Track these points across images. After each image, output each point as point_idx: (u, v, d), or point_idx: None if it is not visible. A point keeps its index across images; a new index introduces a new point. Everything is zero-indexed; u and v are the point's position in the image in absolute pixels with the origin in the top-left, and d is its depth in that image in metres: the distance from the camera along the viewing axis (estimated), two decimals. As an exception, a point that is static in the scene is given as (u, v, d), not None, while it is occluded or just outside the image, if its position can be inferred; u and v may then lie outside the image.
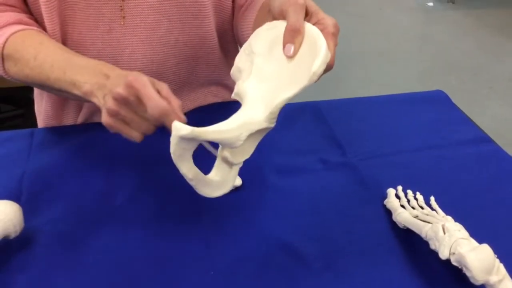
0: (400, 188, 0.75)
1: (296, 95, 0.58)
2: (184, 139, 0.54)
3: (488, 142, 0.89)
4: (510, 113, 2.50)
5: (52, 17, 0.79)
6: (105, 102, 0.64)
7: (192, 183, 0.59)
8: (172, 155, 0.55)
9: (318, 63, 0.57)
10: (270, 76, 0.61)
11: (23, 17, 0.81)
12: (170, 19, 0.83)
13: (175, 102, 0.63)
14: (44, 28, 0.82)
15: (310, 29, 0.61)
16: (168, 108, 0.60)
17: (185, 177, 0.58)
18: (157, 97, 0.60)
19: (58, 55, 0.74)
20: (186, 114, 0.94)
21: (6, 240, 0.64)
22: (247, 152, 0.60)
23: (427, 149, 0.86)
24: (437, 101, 1.01)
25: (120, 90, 0.61)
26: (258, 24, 0.80)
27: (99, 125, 0.81)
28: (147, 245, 0.67)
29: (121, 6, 0.80)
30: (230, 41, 0.98)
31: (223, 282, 0.62)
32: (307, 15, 0.64)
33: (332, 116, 0.93)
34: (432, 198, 0.73)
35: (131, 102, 0.62)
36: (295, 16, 0.61)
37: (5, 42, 0.76)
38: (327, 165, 0.82)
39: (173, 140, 0.55)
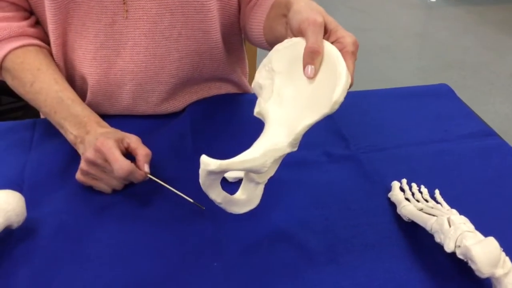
0: (404, 181, 0.75)
1: (317, 121, 0.59)
2: (212, 172, 0.56)
3: (492, 136, 0.88)
4: (512, 110, 2.50)
5: (55, 12, 0.79)
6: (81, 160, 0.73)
7: (221, 205, 0.61)
8: (201, 185, 0.57)
9: (339, 92, 0.57)
10: (291, 98, 0.62)
11: (26, 26, 0.83)
12: (173, 12, 0.82)
13: (142, 152, 0.72)
14: (45, 22, 0.82)
15: (329, 49, 0.61)
16: (131, 168, 0.69)
17: (214, 202, 0.60)
18: (121, 159, 0.69)
19: (53, 92, 0.80)
20: (187, 107, 0.94)
21: (9, 230, 0.64)
22: (271, 171, 0.62)
23: (431, 143, 0.86)
24: (442, 94, 1.00)
25: (89, 154, 0.71)
26: (269, 25, 0.80)
27: (102, 116, 0.81)
28: (150, 236, 0.67)
29: (123, 0, 0.79)
30: (236, 34, 0.97)
31: (227, 274, 0.62)
32: (326, 33, 0.64)
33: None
34: (437, 191, 0.73)
35: (99, 164, 0.71)
36: (314, 36, 0.61)
37: (5, 56, 0.81)
38: (331, 158, 0.82)
39: (201, 173, 0.56)
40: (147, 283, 0.61)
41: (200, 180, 0.57)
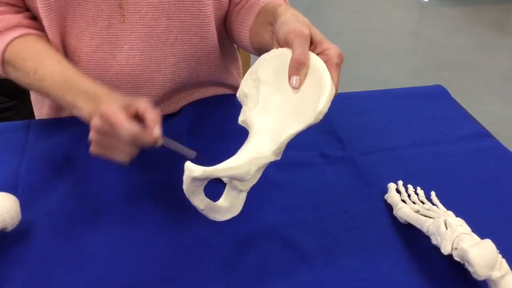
0: (400, 183, 0.75)
1: (302, 131, 0.60)
2: (196, 179, 0.56)
3: (488, 138, 0.89)
4: (505, 110, 2.51)
5: (49, 14, 0.78)
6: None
7: (203, 212, 0.61)
8: (185, 191, 0.57)
9: (324, 102, 0.59)
10: (276, 108, 0.63)
11: (22, 18, 0.80)
12: (170, 17, 0.82)
13: (151, 116, 0.65)
14: (42, 24, 0.81)
15: (315, 60, 0.62)
16: (137, 130, 0.63)
17: (197, 208, 0.60)
18: (126, 122, 0.63)
19: (58, 73, 0.75)
20: (183, 107, 0.94)
21: (3, 233, 0.63)
22: (254, 179, 0.63)
23: (427, 144, 0.86)
24: (437, 96, 1.00)
25: (95, 121, 0.65)
26: (256, 30, 0.81)
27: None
28: (145, 239, 0.67)
29: (120, 4, 0.79)
30: (227, 37, 0.97)
31: (223, 277, 0.62)
32: (312, 44, 0.65)
33: (331, 110, 0.92)
34: (433, 193, 0.73)
35: (107, 130, 0.65)
36: (300, 48, 0.62)
37: (5, 48, 0.77)
38: (327, 160, 0.82)
39: (186, 179, 0.56)
40: (143, 285, 0.61)
41: (184, 186, 0.57)
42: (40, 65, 0.76)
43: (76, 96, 0.72)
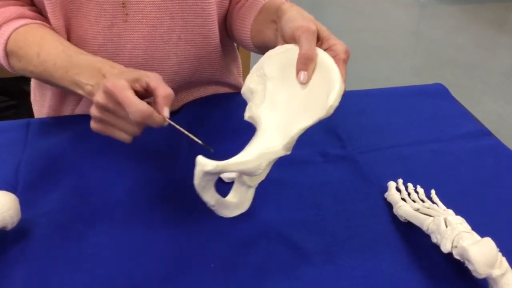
0: (400, 181, 0.75)
1: (312, 125, 0.60)
2: (208, 173, 0.56)
3: (488, 136, 0.89)
4: (505, 108, 2.51)
5: (55, 12, 0.78)
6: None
7: (213, 208, 0.62)
8: (196, 186, 0.58)
9: (334, 97, 0.59)
10: (284, 103, 0.64)
11: (25, 10, 0.80)
12: (173, 16, 0.82)
13: (161, 93, 0.62)
14: (49, 21, 0.80)
15: (322, 56, 0.63)
16: (148, 110, 0.60)
17: (207, 204, 0.61)
18: (136, 101, 0.60)
19: (60, 52, 0.74)
20: (183, 106, 0.94)
21: (3, 231, 0.63)
22: (263, 175, 0.64)
23: (427, 143, 0.86)
24: (437, 94, 1.00)
25: (99, 98, 0.62)
26: (257, 28, 0.81)
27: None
28: (145, 238, 0.67)
29: (123, 3, 0.79)
30: (228, 36, 0.97)
31: (223, 275, 0.62)
32: (318, 40, 0.65)
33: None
34: (433, 192, 0.73)
35: (111, 108, 0.62)
36: (307, 44, 0.62)
37: (8, 38, 0.76)
38: (327, 158, 0.82)
39: (197, 174, 0.57)
40: (143, 284, 0.60)
41: (196, 181, 0.57)
42: (42, 47, 0.75)
43: (79, 71, 0.70)
